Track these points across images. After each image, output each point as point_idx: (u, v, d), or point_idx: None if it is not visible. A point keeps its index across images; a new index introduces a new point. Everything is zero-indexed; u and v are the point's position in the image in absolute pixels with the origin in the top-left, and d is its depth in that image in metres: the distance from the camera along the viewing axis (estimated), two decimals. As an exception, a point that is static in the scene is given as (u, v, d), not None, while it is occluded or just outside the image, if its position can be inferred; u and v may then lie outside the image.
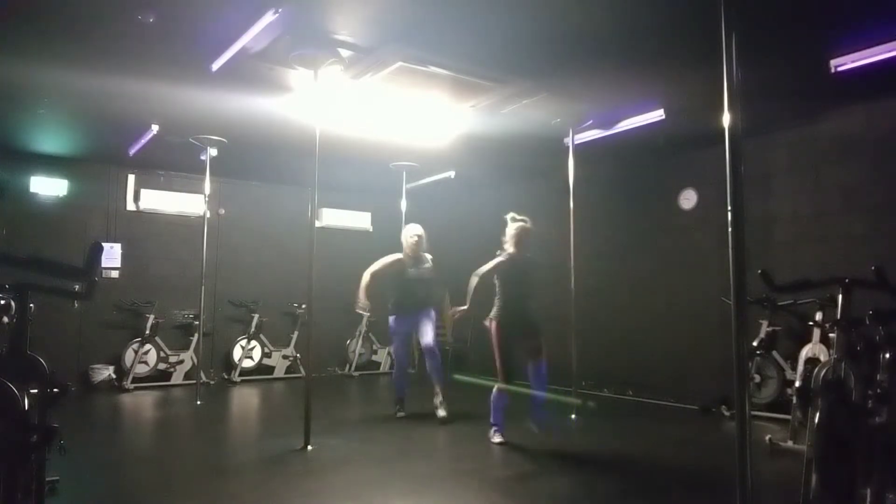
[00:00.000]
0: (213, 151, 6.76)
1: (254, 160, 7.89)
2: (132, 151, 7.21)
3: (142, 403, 6.97)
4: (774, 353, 5.76)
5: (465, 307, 4.83)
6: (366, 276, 5.79)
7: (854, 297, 2.79)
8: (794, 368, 5.48)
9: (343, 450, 4.70)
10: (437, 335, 6.02)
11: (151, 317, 7.90)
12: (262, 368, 8.76)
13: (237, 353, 8.55)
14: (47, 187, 7.70)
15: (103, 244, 2.46)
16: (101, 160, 7.86)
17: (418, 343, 10.40)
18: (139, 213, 8.32)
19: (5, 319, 2.52)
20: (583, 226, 6.24)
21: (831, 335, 3.10)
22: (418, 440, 5.26)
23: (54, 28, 4.16)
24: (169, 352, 8.06)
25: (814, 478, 2.62)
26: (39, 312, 2.52)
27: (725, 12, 2.52)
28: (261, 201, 9.18)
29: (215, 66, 4.65)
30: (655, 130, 6.17)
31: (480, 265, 4.80)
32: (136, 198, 8.29)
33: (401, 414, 6.03)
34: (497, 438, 4.90)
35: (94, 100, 5.61)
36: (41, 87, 5.33)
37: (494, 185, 9.11)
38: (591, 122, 6.13)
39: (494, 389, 4.85)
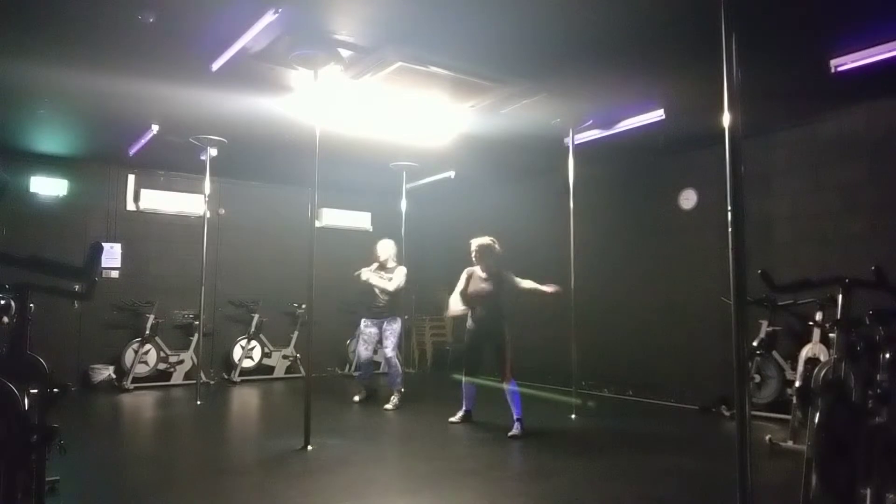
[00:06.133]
0: (213, 151, 6.77)
1: (254, 160, 7.89)
2: (132, 151, 7.21)
3: (142, 403, 6.97)
4: (774, 353, 5.76)
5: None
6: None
7: (854, 297, 2.79)
8: (794, 368, 5.47)
9: (343, 450, 4.69)
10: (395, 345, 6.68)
11: (151, 317, 7.89)
12: (262, 368, 8.76)
13: (237, 353, 8.55)
14: (47, 187, 7.70)
15: (103, 244, 2.46)
16: (101, 160, 7.86)
17: (419, 344, 10.40)
18: (139, 213, 8.32)
19: (5, 319, 2.51)
20: (583, 226, 6.24)
21: (831, 335, 3.09)
22: (418, 440, 5.26)
23: (54, 28, 4.16)
24: (169, 352, 8.06)
25: (814, 478, 2.62)
26: (39, 312, 2.51)
27: (725, 12, 2.52)
28: (261, 201, 9.18)
29: (215, 66, 4.65)
30: (655, 130, 6.16)
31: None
32: (136, 198, 8.29)
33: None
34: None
35: (94, 100, 5.61)
36: (41, 87, 5.33)
37: (494, 185, 9.10)
38: (591, 122, 6.13)
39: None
